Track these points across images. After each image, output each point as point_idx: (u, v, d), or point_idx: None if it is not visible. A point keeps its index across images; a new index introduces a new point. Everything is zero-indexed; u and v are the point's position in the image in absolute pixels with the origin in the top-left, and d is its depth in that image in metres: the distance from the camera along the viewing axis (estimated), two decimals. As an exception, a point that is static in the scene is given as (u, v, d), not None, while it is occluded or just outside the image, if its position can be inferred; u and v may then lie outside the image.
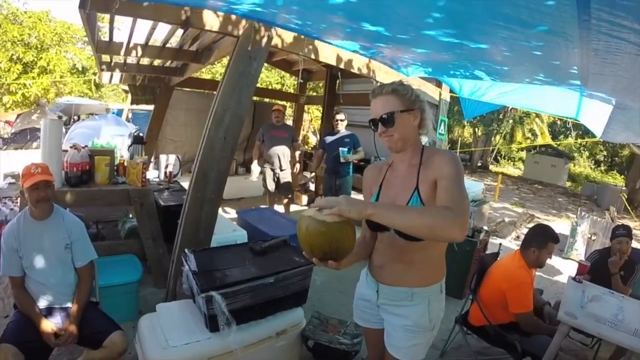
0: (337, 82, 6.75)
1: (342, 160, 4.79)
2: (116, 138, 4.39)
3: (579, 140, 18.66)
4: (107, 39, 4.14)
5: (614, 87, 2.19)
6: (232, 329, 2.02)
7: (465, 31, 1.70)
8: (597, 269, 3.40)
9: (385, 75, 4.05)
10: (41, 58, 11.01)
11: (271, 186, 5.34)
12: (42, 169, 2.07)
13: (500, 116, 19.13)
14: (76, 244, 2.19)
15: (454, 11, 1.51)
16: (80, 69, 14.00)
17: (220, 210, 3.09)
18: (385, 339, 1.62)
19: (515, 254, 2.72)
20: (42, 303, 2.10)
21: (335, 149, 4.87)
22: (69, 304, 2.14)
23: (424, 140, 1.55)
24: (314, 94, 11.09)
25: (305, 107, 8.34)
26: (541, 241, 2.61)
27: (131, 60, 5.21)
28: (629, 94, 2.20)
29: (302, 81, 8.04)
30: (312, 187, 7.49)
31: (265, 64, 10.34)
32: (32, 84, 10.86)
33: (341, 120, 4.99)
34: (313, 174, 5.98)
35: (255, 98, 8.31)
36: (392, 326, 1.58)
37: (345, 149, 4.81)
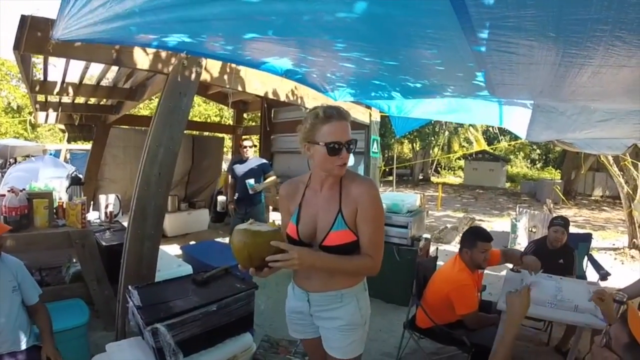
0: (272, 111, 6.92)
1: (250, 192, 4.71)
2: (54, 180, 4.26)
3: (512, 143, 19.83)
4: (41, 75, 4.09)
5: (519, 93, 2.32)
6: (179, 361, 2.05)
7: (375, 51, 1.82)
8: None
9: (313, 101, 4.16)
10: (-26, 96, 10.42)
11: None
12: None
13: (436, 129, 19.96)
14: (24, 284, 2.21)
15: (359, 33, 1.53)
16: (15, 107, 13.39)
17: (165, 247, 3.09)
18: (324, 344, 1.72)
19: (456, 258, 2.85)
20: None
21: (245, 178, 4.78)
22: (22, 347, 2.13)
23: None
24: (253, 124, 11.06)
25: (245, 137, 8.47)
26: (471, 242, 2.75)
27: (66, 99, 5.13)
28: (535, 97, 2.37)
29: (234, 112, 8.24)
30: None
31: (202, 97, 10.23)
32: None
33: (249, 147, 4.96)
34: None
35: (194, 132, 8.38)
36: (328, 330, 1.69)
37: (252, 180, 4.73)
